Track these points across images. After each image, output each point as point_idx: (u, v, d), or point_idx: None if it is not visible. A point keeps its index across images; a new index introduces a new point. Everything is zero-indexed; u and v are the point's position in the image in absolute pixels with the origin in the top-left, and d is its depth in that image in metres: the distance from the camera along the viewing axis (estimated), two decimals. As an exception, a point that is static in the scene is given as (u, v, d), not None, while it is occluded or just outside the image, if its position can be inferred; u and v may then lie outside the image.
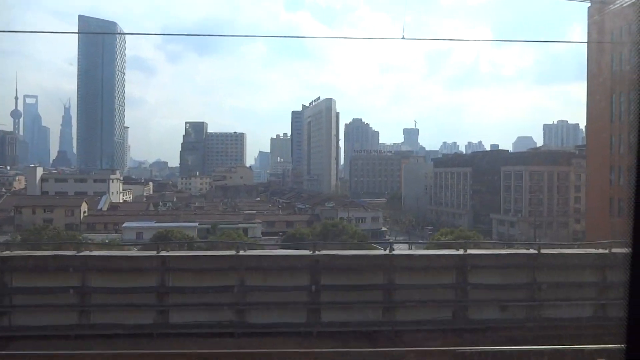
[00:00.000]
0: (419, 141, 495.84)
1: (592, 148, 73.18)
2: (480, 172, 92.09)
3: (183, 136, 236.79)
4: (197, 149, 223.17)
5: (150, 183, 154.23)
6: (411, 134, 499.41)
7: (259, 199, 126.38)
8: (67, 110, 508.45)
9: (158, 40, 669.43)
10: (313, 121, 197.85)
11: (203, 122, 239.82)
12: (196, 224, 51.15)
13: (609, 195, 69.75)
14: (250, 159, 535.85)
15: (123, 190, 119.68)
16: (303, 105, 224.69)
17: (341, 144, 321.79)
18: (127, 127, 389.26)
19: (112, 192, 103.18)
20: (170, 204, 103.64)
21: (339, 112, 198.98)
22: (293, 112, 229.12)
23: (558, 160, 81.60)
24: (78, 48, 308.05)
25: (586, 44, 74.51)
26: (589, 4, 67.15)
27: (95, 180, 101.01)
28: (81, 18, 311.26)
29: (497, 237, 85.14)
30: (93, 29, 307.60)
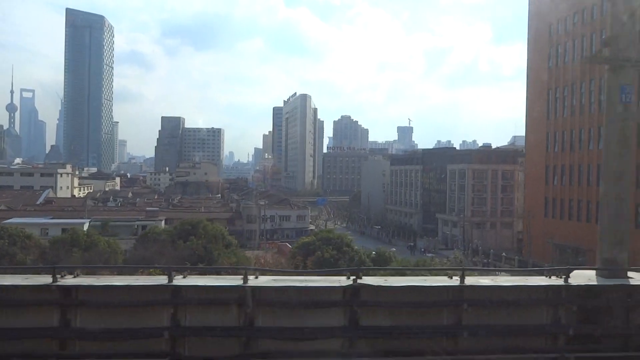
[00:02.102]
0: (412, 139, 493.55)
1: (530, 146, 70.61)
2: (431, 170, 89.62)
3: (159, 131, 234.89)
4: (173, 144, 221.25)
5: (118, 179, 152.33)
6: (405, 131, 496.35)
7: (219, 195, 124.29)
8: (63, 104, 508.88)
9: (157, 35, 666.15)
10: (290, 118, 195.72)
11: (180, 117, 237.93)
12: (87, 221, 48.99)
13: (544, 195, 67.34)
14: (243, 155, 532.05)
15: (79, 185, 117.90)
16: (284, 101, 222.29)
17: (330, 141, 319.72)
18: (117, 122, 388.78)
19: (61, 187, 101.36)
20: (121, 200, 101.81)
21: (316, 109, 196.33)
22: (274, 108, 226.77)
23: (503, 159, 79.01)
24: (65, 41, 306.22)
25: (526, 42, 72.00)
26: None
27: (42, 174, 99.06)
28: (68, 11, 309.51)
29: (441, 238, 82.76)
30: (80, 22, 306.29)
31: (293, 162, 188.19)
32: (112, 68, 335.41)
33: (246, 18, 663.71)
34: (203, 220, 37.57)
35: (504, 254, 64.08)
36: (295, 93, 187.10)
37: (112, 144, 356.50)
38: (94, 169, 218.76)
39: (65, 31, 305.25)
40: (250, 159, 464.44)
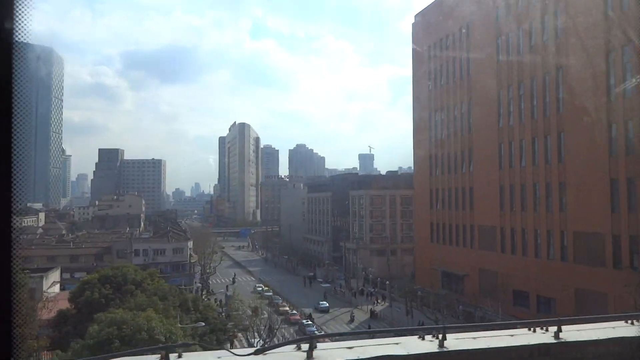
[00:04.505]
0: (374, 166, 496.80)
1: (417, 170, 69.62)
2: (339, 196, 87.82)
3: (95, 164, 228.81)
4: (110, 177, 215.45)
5: (42, 214, 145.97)
6: (366, 159, 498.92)
7: (140, 229, 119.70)
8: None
9: (120, 67, 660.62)
10: (231, 147, 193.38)
11: (118, 149, 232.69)
12: None
13: (430, 220, 65.92)
14: (185, 185, 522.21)
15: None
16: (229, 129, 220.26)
17: (286, 170, 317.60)
18: (70, 156, 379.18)
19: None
20: (31, 236, 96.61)
21: (258, 137, 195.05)
22: (220, 138, 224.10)
23: (401, 184, 77.77)
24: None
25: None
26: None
27: None
28: (14, 43, 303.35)
29: (345, 267, 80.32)
30: (26, 54, 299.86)
31: (234, 192, 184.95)
32: (62, 101, 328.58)
33: (212, 51, 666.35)
34: None
35: (387, 282, 61.85)
36: (235, 122, 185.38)
37: (64, 178, 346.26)
38: (38, 205, 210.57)
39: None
40: (211, 190, 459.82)
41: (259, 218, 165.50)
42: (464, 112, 57.89)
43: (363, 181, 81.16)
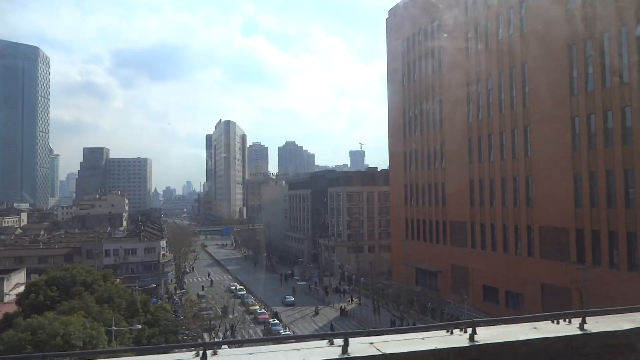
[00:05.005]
0: (365, 162, 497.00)
1: (393, 166, 69.18)
2: (318, 194, 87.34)
3: (80, 163, 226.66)
4: (96, 176, 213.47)
5: (24, 215, 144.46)
6: (357, 155, 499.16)
7: (122, 228, 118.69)
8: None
9: (109, 65, 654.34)
10: (217, 145, 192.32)
11: (102, 148, 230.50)
12: None
13: (405, 216, 65.57)
14: (177, 184, 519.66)
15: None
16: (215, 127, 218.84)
17: (276, 167, 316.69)
18: (58, 155, 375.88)
19: None
20: (6, 237, 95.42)
21: (244, 135, 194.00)
22: (207, 136, 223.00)
23: (380, 180, 77.35)
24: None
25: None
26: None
27: None
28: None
29: (323, 264, 79.95)
30: (10, 53, 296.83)
31: (220, 190, 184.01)
32: (48, 100, 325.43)
33: (203, 48, 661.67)
34: None
35: (362, 279, 61.50)
36: (220, 120, 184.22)
37: (52, 178, 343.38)
38: (25, 205, 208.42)
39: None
40: (201, 189, 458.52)
41: (245, 216, 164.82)
42: (436, 108, 57.50)
43: (341, 178, 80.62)
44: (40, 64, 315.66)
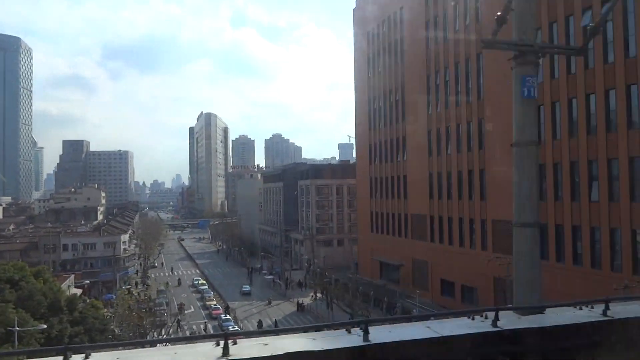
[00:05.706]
0: (354, 155, 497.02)
1: (359, 158, 68.46)
2: (290, 187, 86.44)
3: (60, 156, 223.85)
4: (75, 169, 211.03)
5: (0, 208, 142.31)
6: (346, 148, 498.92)
7: (96, 222, 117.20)
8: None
9: (97, 58, 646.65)
10: (198, 137, 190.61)
11: (82, 141, 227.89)
12: None
13: (370, 209, 64.91)
14: (166, 177, 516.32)
15: None
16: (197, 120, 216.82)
17: (262, 160, 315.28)
18: (42, 148, 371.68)
19: None
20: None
21: (226, 127, 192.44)
22: (190, 128, 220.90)
23: (352, 173, 76.55)
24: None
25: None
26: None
27: None
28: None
29: (293, 258, 79.29)
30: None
31: (202, 183, 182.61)
32: (31, 92, 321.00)
33: (192, 40, 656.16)
34: None
35: (326, 273, 60.86)
36: (202, 112, 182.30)
37: (36, 171, 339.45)
38: (7, 198, 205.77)
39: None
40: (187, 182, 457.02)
41: (227, 209, 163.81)
42: (399, 99, 56.70)
43: (310, 170, 79.69)
44: (22, 55, 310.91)
